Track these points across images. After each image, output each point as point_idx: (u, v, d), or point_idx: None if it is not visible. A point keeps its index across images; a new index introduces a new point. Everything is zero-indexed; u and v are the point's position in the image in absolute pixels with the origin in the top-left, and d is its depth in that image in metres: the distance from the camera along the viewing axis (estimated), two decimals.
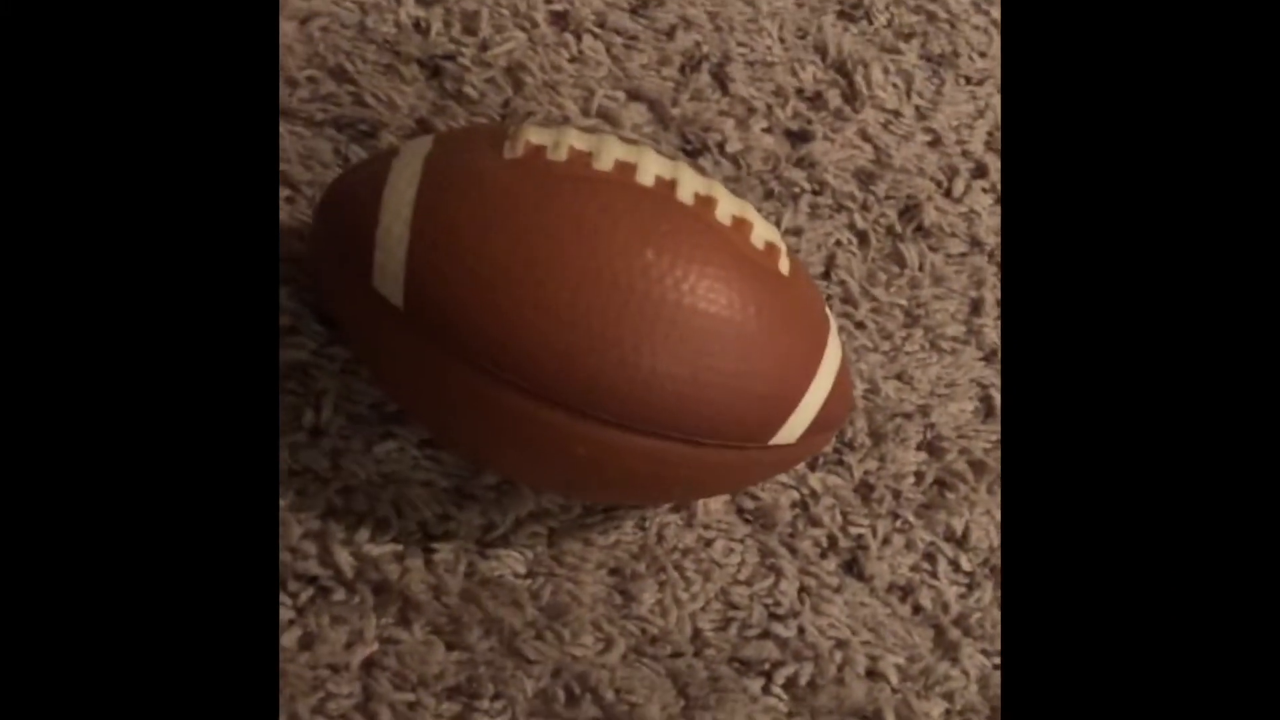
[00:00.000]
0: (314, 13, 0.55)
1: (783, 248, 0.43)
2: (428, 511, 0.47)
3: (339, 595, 0.45)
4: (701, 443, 0.42)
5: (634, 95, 0.58)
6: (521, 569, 0.47)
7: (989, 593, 0.52)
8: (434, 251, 0.39)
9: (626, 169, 0.41)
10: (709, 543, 0.50)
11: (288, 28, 0.54)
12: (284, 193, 0.51)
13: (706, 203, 0.41)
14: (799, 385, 0.42)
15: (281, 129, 0.52)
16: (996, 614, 0.52)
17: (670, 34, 0.60)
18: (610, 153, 0.41)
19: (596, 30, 0.59)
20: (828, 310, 0.46)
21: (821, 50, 0.62)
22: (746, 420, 0.42)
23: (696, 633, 0.49)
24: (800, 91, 0.61)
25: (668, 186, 0.41)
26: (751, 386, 0.41)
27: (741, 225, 0.42)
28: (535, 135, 0.41)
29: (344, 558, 0.45)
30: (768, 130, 0.59)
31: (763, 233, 0.42)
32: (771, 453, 0.44)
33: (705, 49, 0.60)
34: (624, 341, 0.39)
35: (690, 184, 0.41)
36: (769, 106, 0.60)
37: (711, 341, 0.40)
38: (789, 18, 0.63)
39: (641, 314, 0.39)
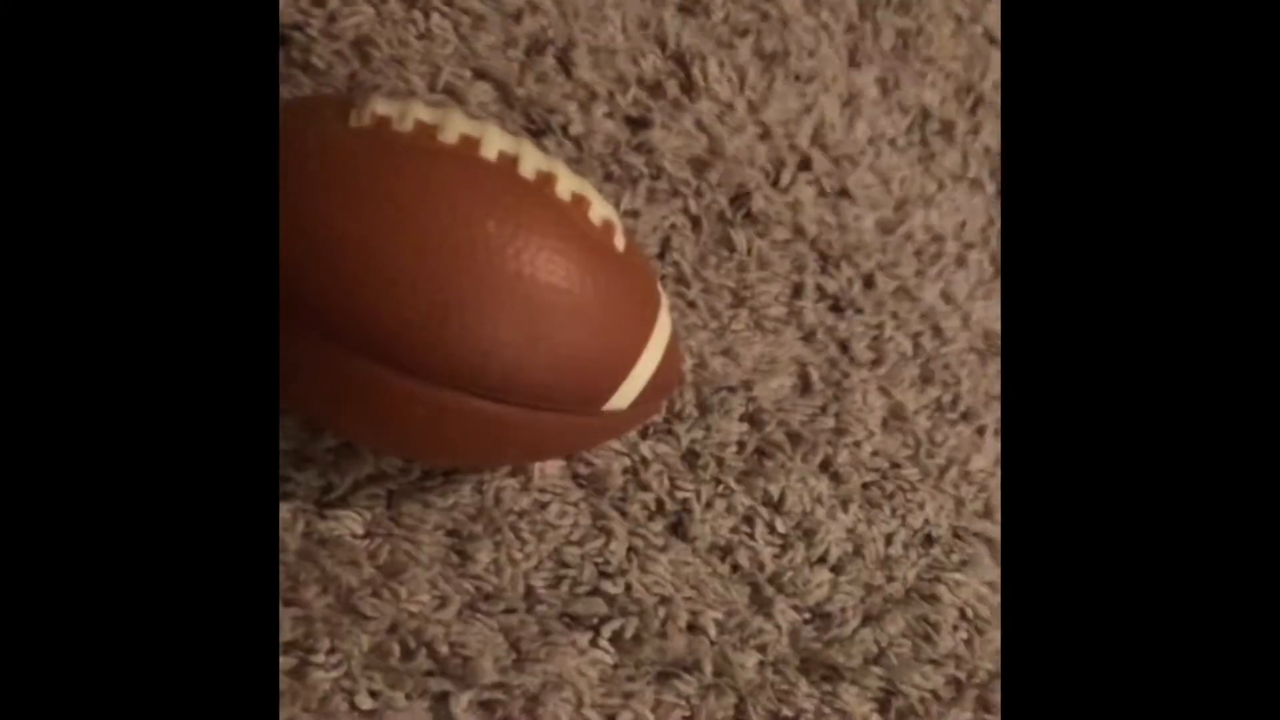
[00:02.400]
0: None
1: (619, 225, 0.46)
2: None
3: None
4: (538, 407, 0.44)
5: (480, 74, 0.60)
6: (359, 530, 0.49)
7: (801, 553, 0.56)
8: (280, 220, 0.40)
9: (470, 143, 0.42)
10: (544, 505, 0.52)
11: None
12: None
13: (547, 179, 0.44)
14: (631, 355, 0.45)
15: None
16: (807, 573, 0.56)
17: (517, 17, 0.62)
18: (455, 127, 0.43)
19: (444, 9, 0.60)
20: (660, 287, 0.49)
21: (662, 41, 0.65)
22: (581, 387, 0.44)
23: (529, 590, 0.51)
24: (640, 80, 0.64)
25: (510, 162, 0.43)
26: (586, 355, 0.44)
27: (580, 202, 0.44)
28: (382, 106, 0.42)
29: None
30: (609, 115, 0.62)
31: (600, 210, 0.45)
32: (604, 418, 0.46)
33: (551, 33, 0.62)
34: (464, 308, 0.41)
35: (532, 160, 0.44)
36: (610, 93, 0.62)
37: (548, 311, 0.42)
38: (631, 8, 0.65)
39: (482, 282, 0.41)
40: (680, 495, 0.55)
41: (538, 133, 0.60)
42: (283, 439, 0.48)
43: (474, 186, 0.42)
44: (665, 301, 0.48)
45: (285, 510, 0.48)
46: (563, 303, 0.43)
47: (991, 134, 0.73)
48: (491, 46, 0.60)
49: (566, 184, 0.44)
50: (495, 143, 0.43)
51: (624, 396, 0.46)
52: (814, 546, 0.56)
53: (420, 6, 0.59)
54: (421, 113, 0.42)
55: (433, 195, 0.41)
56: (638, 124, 0.62)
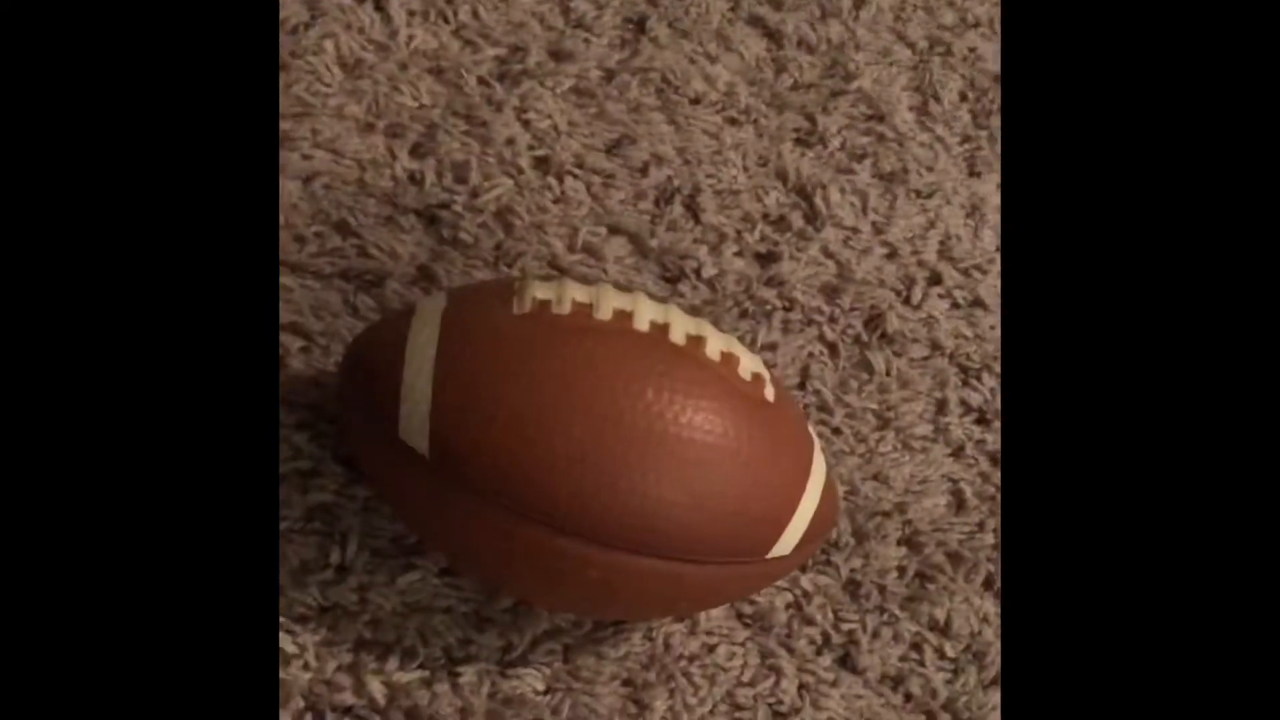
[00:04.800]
0: (315, 172, 0.59)
1: (767, 376, 0.48)
2: (450, 637, 0.50)
3: None
4: (705, 561, 0.45)
5: (614, 230, 0.63)
6: (540, 686, 0.51)
7: (973, 676, 0.56)
8: (456, 403, 0.43)
9: (624, 317, 0.45)
10: (712, 648, 0.53)
11: (292, 187, 0.58)
12: (298, 343, 0.54)
13: (697, 341, 0.46)
14: (791, 501, 0.46)
15: (292, 283, 0.56)
16: (981, 696, 0.55)
17: (644, 170, 0.65)
18: (609, 303, 0.45)
19: (576, 171, 0.64)
20: (810, 429, 0.50)
21: (782, 176, 0.68)
22: (745, 538, 0.46)
23: None
24: (766, 216, 0.66)
25: (661, 330, 0.45)
26: (748, 508, 0.45)
27: (729, 359, 0.46)
28: (540, 290, 0.45)
29: (376, 687, 0.48)
30: (738, 254, 0.64)
31: (749, 365, 0.47)
32: (770, 565, 0.48)
33: (676, 182, 0.65)
34: (631, 475, 0.43)
35: (681, 325, 0.46)
36: (738, 232, 0.65)
37: (709, 469, 0.44)
38: (750, 148, 0.68)
39: (645, 448, 0.43)
40: (845, 627, 0.55)
41: (672, 279, 0.62)
42: (461, 601, 0.51)
43: (630, 358, 0.44)
44: (818, 443, 0.50)
45: (471, 672, 0.50)
46: (722, 459, 0.44)
47: None
48: (622, 202, 0.64)
49: (715, 344, 0.46)
50: (646, 314, 0.45)
51: (788, 542, 0.47)
52: (985, 669, 0.56)
53: (554, 172, 0.63)
54: (577, 293, 0.45)
55: (594, 371, 0.43)
56: (767, 259, 0.65)
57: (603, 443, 0.43)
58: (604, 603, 0.47)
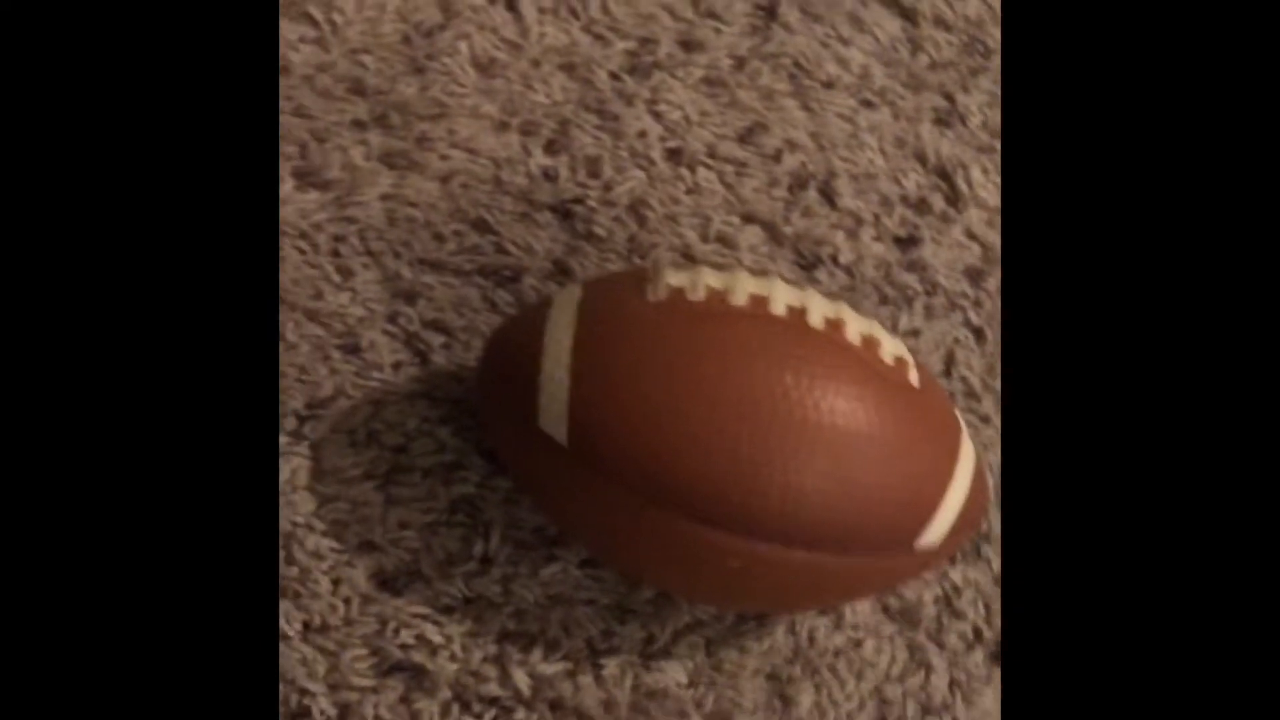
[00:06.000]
0: (453, 171, 0.60)
1: (911, 360, 0.46)
2: (593, 628, 0.50)
3: (520, 714, 0.49)
4: (849, 552, 0.44)
5: (748, 219, 0.62)
6: (683, 679, 0.50)
7: None
8: (594, 392, 0.43)
9: (759, 301, 0.44)
10: (858, 643, 0.52)
11: (431, 186, 0.60)
12: (440, 339, 0.55)
13: (836, 325, 0.44)
14: (938, 490, 0.45)
15: (433, 280, 0.57)
16: None
17: (777, 157, 0.64)
18: (744, 288, 0.44)
19: (708, 161, 0.63)
20: (959, 417, 0.48)
21: (921, 157, 0.65)
22: (891, 528, 0.44)
23: None
24: (905, 199, 0.64)
25: (799, 314, 0.44)
26: (893, 496, 0.44)
27: (871, 343, 0.45)
28: (674, 278, 0.45)
29: (521, 678, 0.49)
30: (877, 239, 0.62)
31: (891, 349, 0.45)
32: (917, 557, 0.46)
33: (811, 168, 0.64)
34: (772, 462, 0.42)
35: (820, 309, 0.45)
36: (876, 216, 0.63)
37: (852, 456, 0.43)
38: (887, 130, 0.66)
39: (785, 435, 0.42)
40: (998, 621, 0.53)
41: (808, 266, 0.61)
42: (602, 592, 0.51)
43: (767, 344, 0.43)
44: (965, 429, 0.48)
45: (614, 664, 0.50)
46: (865, 446, 0.43)
47: None
48: (756, 190, 0.63)
49: (855, 327, 0.45)
50: (782, 298, 0.44)
51: (936, 532, 0.45)
52: None
53: (686, 163, 0.63)
54: (711, 279, 0.45)
55: (731, 358, 0.43)
56: (907, 243, 0.63)
57: (741, 430, 0.42)
58: (744, 593, 0.46)
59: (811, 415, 0.42)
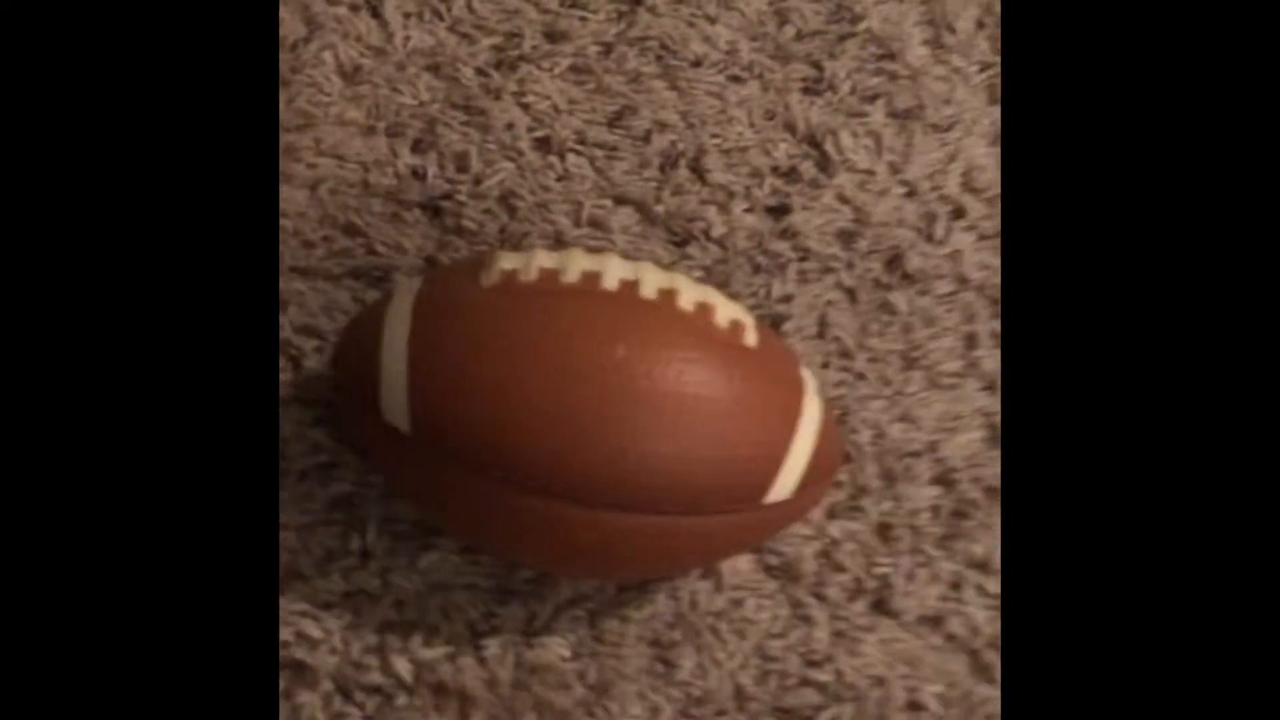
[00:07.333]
0: (320, 178, 0.61)
1: (748, 323, 0.47)
2: (473, 612, 0.51)
3: (401, 700, 0.50)
4: (700, 512, 0.45)
5: (620, 201, 0.63)
6: (566, 652, 0.51)
7: None
8: (430, 380, 0.44)
9: (591, 278, 0.45)
10: (739, 602, 0.53)
11: (298, 195, 0.61)
12: (312, 343, 0.57)
13: (669, 295, 0.46)
14: (781, 444, 0.46)
15: (304, 286, 0.58)
16: None
17: (647, 138, 0.65)
18: (576, 266, 0.45)
19: (578, 147, 0.64)
20: (804, 371, 0.49)
21: (791, 127, 0.66)
22: (737, 485, 0.45)
23: (738, 690, 0.52)
24: (775, 169, 0.65)
25: (631, 287, 0.45)
26: (736, 453, 0.45)
27: (705, 309, 0.46)
28: (508, 261, 0.46)
29: (403, 665, 0.50)
30: (748, 210, 0.63)
31: (726, 313, 0.46)
32: (770, 510, 0.47)
33: (681, 146, 0.65)
34: (609, 431, 0.43)
35: (652, 281, 0.46)
36: (747, 188, 0.64)
37: (691, 418, 0.44)
38: (756, 103, 0.67)
39: (622, 404, 0.43)
40: (878, 571, 0.54)
41: (682, 243, 0.62)
42: (482, 576, 0.52)
43: (597, 317, 0.44)
44: (812, 384, 0.49)
45: (495, 645, 0.51)
46: (703, 408, 0.44)
47: None
48: (627, 172, 0.64)
49: (689, 295, 0.46)
50: (615, 272, 0.46)
51: (784, 486, 0.46)
52: None
53: (555, 150, 0.64)
54: (544, 260, 0.46)
55: (559, 333, 0.44)
56: (779, 211, 0.64)
57: (578, 403, 0.43)
58: (605, 563, 0.47)
59: (643, 383, 0.44)
